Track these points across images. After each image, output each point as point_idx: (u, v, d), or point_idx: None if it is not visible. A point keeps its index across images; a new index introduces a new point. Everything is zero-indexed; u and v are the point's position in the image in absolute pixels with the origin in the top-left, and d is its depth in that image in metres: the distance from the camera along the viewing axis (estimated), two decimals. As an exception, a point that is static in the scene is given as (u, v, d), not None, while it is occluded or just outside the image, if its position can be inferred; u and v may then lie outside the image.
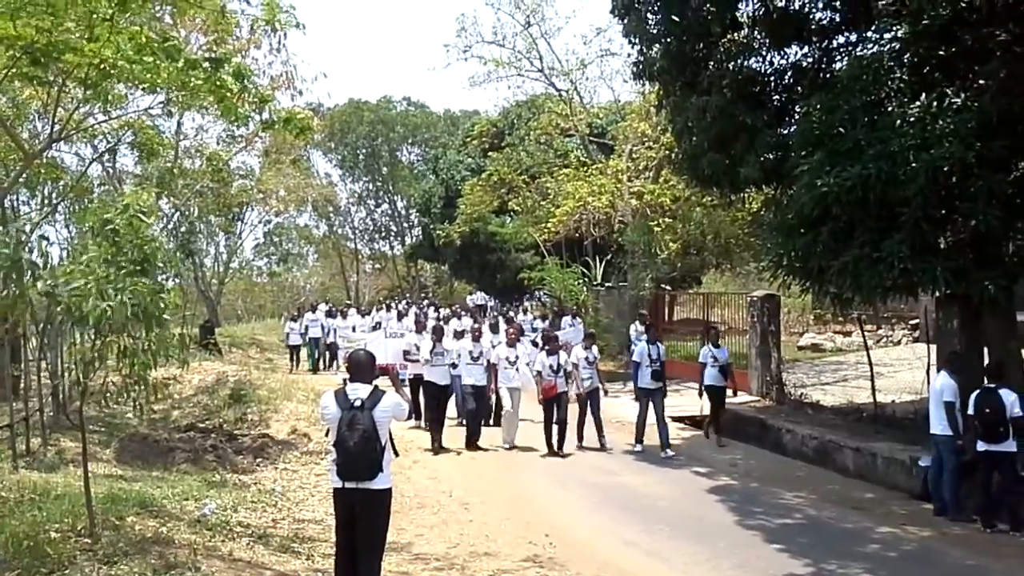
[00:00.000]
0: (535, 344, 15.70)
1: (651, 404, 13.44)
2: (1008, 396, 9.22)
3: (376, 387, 6.01)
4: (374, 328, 22.82)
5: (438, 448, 13.15)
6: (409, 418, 7.48)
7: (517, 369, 13.71)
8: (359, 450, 5.75)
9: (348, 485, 5.86)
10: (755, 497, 10.78)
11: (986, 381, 9.64)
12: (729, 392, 14.98)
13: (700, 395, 14.16)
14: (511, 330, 15.08)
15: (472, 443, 13.51)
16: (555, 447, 13.09)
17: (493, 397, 14.29)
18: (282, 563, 7.25)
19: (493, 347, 14.27)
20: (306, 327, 24.37)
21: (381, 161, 52.04)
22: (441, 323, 16.60)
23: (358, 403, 5.84)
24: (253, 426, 13.23)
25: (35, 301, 6.57)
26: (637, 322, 19.10)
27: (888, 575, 7.96)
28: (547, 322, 22.86)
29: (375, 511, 5.91)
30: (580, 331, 20.13)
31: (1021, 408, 9.18)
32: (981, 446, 9.35)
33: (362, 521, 5.91)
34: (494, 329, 17.64)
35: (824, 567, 8.18)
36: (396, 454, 6.10)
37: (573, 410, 13.62)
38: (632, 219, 24.24)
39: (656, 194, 23.44)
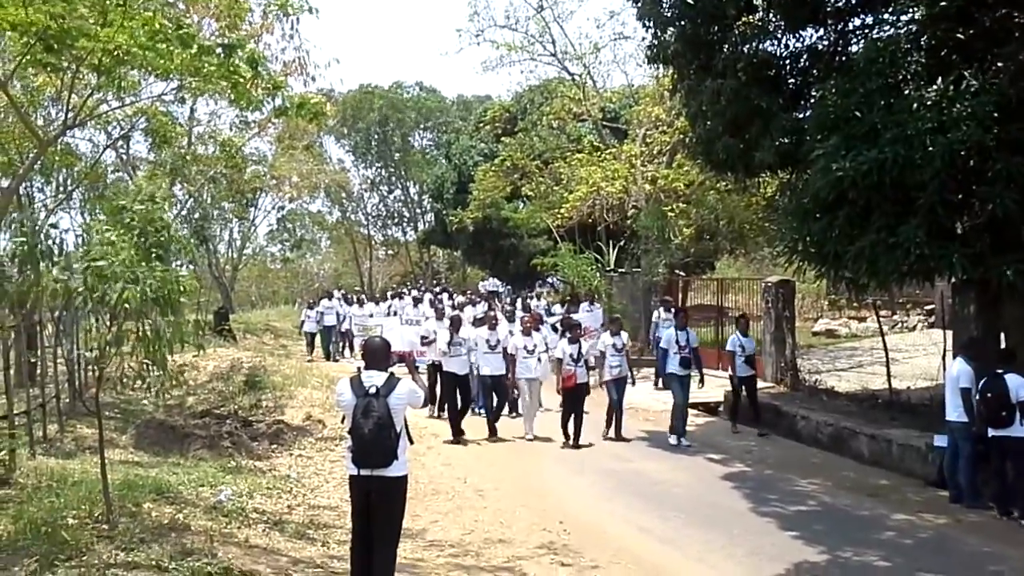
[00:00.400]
0: (554, 329, 15.43)
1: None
2: (1014, 380, 9.16)
3: (391, 374, 6.01)
4: (389, 315, 22.86)
5: (458, 438, 12.98)
6: (425, 406, 7.42)
7: (539, 360, 13.50)
8: (373, 437, 5.75)
9: (363, 472, 5.86)
10: (770, 484, 10.76)
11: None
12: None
13: (733, 386, 13.98)
14: (527, 318, 14.67)
15: (491, 433, 13.38)
16: (572, 438, 12.78)
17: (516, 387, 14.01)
18: (297, 549, 7.28)
19: (510, 335, 14.06)
20: (321, 314, 24.18)
21: (393, 147, 51.97)
22: (459, 313, 16.31)
23: (373, 390, 5.84)
24: (268, 412, 13.26)
25: (51, 287, 6.56)
26: (661, 308, 18.79)
27: (904, 562, 7.92)
28: (564, 307, 22.71)
29: (391, 498, 5.91)
30: (598, 316, 19.98)
31: None
32: (990, 432, 9.31)
33: (378, 508, 5.92)
34: (510, 318, 17.64)
35: (839, 554, 8.16)
36: (411, 441, 6.11)
37: (592, 400, 13.54)
38: (646, 204, 24.14)
39: (670, 179, 23.33)
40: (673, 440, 12.95)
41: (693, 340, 13.42)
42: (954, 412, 9.68)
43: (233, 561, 6.45)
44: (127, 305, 6.24)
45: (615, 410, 13.27)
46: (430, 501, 9.64)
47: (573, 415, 12.77)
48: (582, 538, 8.50)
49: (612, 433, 13.29)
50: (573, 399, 12.77)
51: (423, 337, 15.21)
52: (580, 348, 12.88)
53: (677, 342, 13.21)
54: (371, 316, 22.92)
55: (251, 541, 7.24)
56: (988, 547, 8.35)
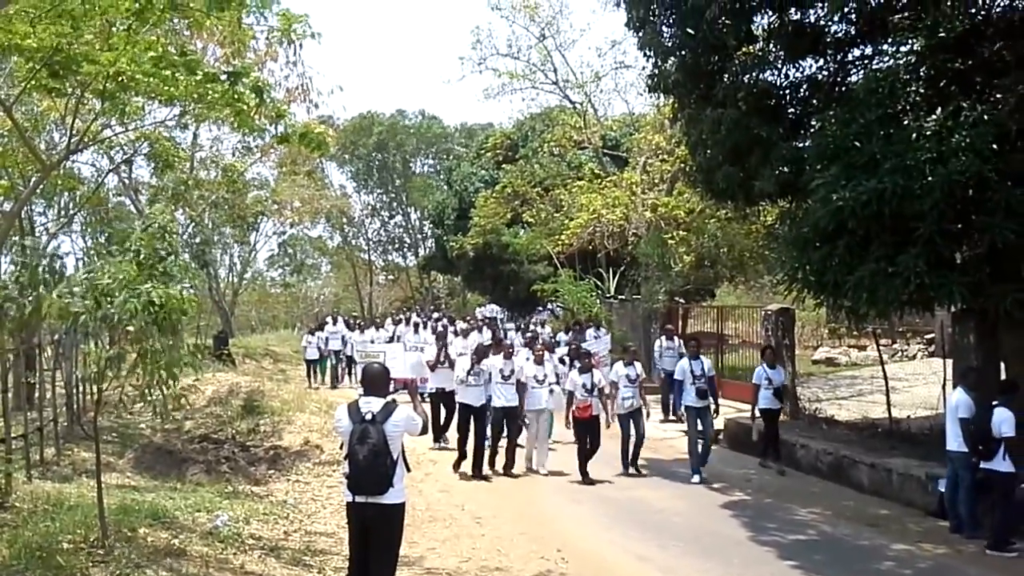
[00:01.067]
0: (561, 362, 14.94)
1: (700, 424, 12.59)
2: (999, 415, 9.08)
3: (389, 401, 5.99)
4: (391, 341, 22.54)
5: (473, 474, 12.36)
6: (423, 433, 7.22)
7: (551, 391, 12.90)
8: (368, 464, 5.73)
9: (359, 499, 5.85)
10: (769, 513, 10.71)
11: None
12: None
13: (752, 419, 13.31)
14: (539, 347, 13.89)
15: (507, 469, 12.78)
16: (581, 471, 12.26)
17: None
18: (294, 576, 7.24)
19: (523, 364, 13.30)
20: (326, 340, 23.91)
21: (394, 173, 52.21)
22: (482, 342, 15.63)
23: (369, 416, 5.83)
24: (266, 437, 13.23)
25: (52, 310, 6.57)
26: (663, 337, 18.40)
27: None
28: (571, 334, 22.52)
29: (387, 525, 5.88)
30: (606, 343, 19.68)
31: (1009, 429, 9.00)
32: (981, 464, 9.28)
33: (374, 535, 5.89)
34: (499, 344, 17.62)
35: (840, 584, 8.12)
36: (408, 469, 6.07)
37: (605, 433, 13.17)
38: (646, 232, 24.21)
39: (670, 207, 23.41)
40: (696, 479, 12.30)
41: (708, 369, 12.94)
42: (954, 442, 9.62)
43: (229, 587, 6.42)
44: (129, 327, 6.26)
45: (635, 444, 12.75)
46: (427, 528, 9.59)
47: (587, 449, 12.32)
48: (580, 566, 8.45)
49: (630, 467, 12.82)
50: (587, 431, 12.34)
51: (430, 363, 14.85)
52: (593, 378, 12.43)
53: (692, 372, 12.67)
54: (372, 342, 22.48)
55: (247, 568, 7.20)
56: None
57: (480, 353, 12.98)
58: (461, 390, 12.73)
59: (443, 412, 14.42)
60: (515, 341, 20.63)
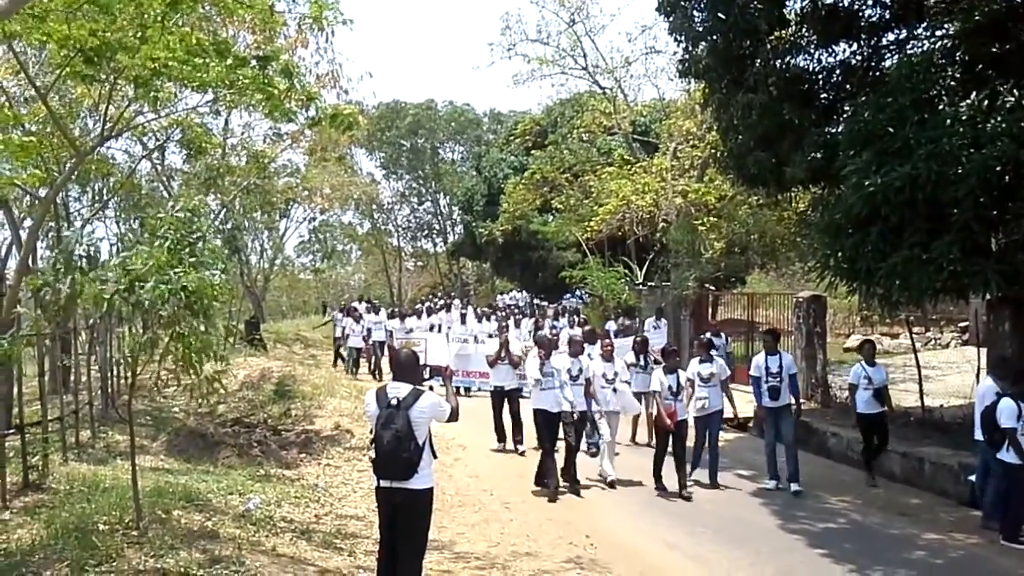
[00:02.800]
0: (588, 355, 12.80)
1: (778, 428, 11.34)
2: (1002, 405, 8.91)
3: (416, 387, 6.02)
4: (432, 329, 21.93)
5: (554, 492, 10.55)
6: (452, 420, 6.92)
7: (615, 389, 11.62)
8: (391, 449, 5.79)
9: (385, 484, 5.91)
10: (799, 501, 10.67)
11: None
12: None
13: (861, 428, 11.76)
14: (607, 342, 12.45)
15: (573, 481, 11.07)
16: (679, 486, 10.85)
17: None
18: (324, 559, 7.30)
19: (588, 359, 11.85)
20: (369, 330, 22.14)
21: (424, 158, 52.28)
22: (547, 335, 13.97)
23: (395, 402, 5.87)
24: (297, 421, 13.34)
25: (87, 296, 6.66)
26: (708, 334, 15.94)
27: (935, 582, 7.84)
28: (619, 322, 21.43)
29: (414, 511, 5.92)
30: (664, 334, 18.89)
31: (1008, 420, 8.82)
32: (996, 455, 9.09)
33: (402, 520, 5.95)
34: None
35: (868, 573, 8.09)
36: (435, 456, 6.09)
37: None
38: (676, 218, 24.08)
39: (701, 193, 23.26)
40: (771, 484, 11.30)
41: (789, 366, 11.46)
42: (982, 431, 9.52)
43: (261, 570, 6.50)
44: (161, 312, 6.34)
45: (708, 451, 11.49)
46: (456, 513, 9.63)
47: (674, 459, 10.98)
48: (609, 552, 8.46)
49: (703, 478, 11.39)
50: (673, 440, 10.97)
51: (490, 358, 13.79)
52: (679, 378, 11.11)
53: (767, 368, 11.36)
54: (411, 331, 21.36)
55: (279, 550, 7.27)
56: (1022, 569, 8.21)
57: (545, 346, 11.42)
58: (536, 395, 11.08)
59: (507, 413, 13.36)
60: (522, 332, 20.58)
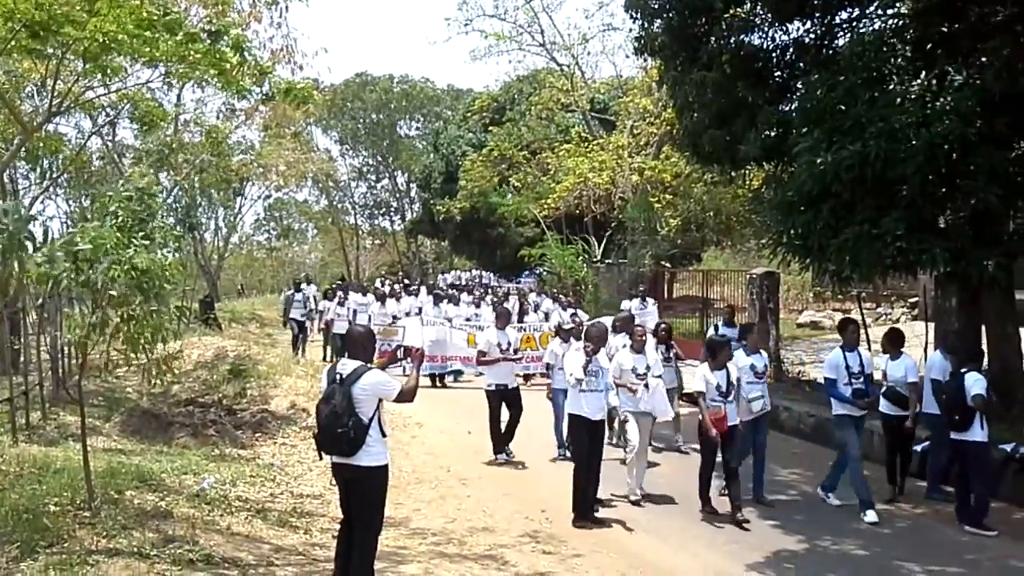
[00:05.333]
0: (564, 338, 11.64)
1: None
2: (970, 379, 8.71)
3: (362, 364, 5.96)
4: (409, 315, 20.06)
5: (591, 519, 8.78)
6: (402, 401, 6.21)
7: (646, 386, 9.65)
8: (327, 424, 5.83)
9: (336, 460, 5.95)
10: (751, 474, 10.81)
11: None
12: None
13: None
14: (639, 330, 10.27)
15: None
16: (732, 509, 8.95)
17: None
18: (280, 537, 7.30)
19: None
20: (354, 312, 19.83)
21: (383, 136, 51.93)
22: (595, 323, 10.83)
23: (338, 378, 5.89)
24: (253, 401, 13.23)
25: (35, 274, 6.54)
26: (720, 323, 13.97)
27: (881, 551, 8.03)
28: (637, 302, 18.72)
29: (363, 487, 5.94)
30: (654, 315, 17.42)
31: (980, 389, 8.59)
32: (951, 435, 8.92)
33: (353, 496, 6.00)
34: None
35: (818, 543, 8.28)
36: (384, 433, 6.00)
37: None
38: (633, 195, 24.23)
39: (657, 170, 23.44)
40: (835, 501, 9.61)
41: (868, 364, 9.57)
42: (930, 404, 9.68)
43: (215, 548, 6.48)
44: (112, 292, 6.26)
45: (756, 461, 9.80)
46: (413, 490, 9.67)
47: (725, 475, 9.12)
48: (565, 527, 8.56)
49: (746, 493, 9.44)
50: (723, 450, 9.02)
51: (481, 353, 11.82)
52: (729, 375, 9.11)
53: (848, 367, 9.38)
54: (396, 318, 19.31)
55: (233, 529, 7.25)
56: (965, 537, 8.45)
57: (597, 341, 9.14)
58: (574, 397, 8.98)
59: (505, 415, 11.44)
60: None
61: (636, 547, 8.15)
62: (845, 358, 9.39)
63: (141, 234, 6.59)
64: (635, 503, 9.51)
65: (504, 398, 11.32)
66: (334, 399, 5.82)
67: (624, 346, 10.30)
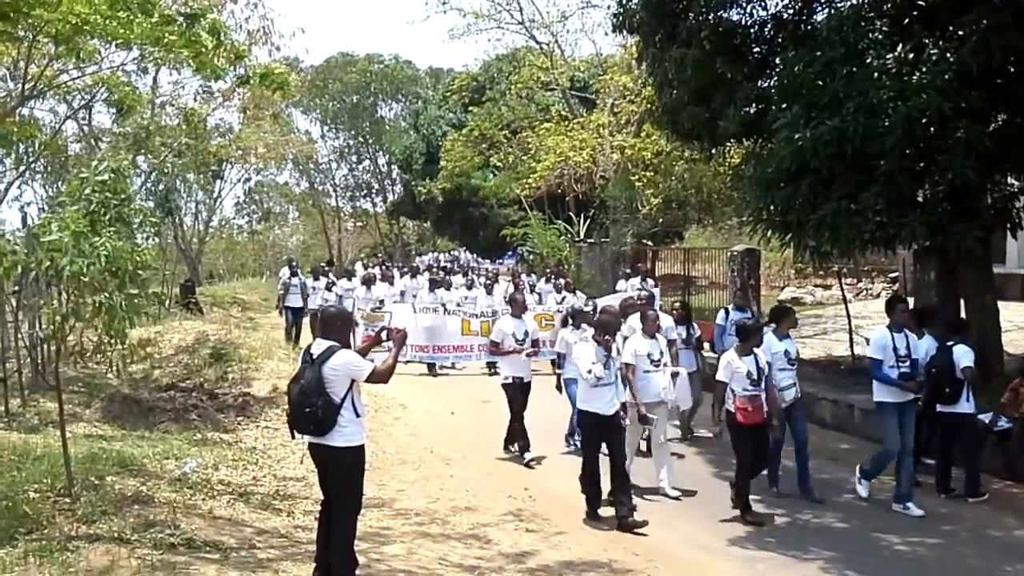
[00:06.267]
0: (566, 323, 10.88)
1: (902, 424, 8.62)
2: (959, 351, 8.71)
3: (333, 344, 5.90)
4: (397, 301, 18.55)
5: (621, 523, 8.04)
6: (375, 381, 6.03)
7: (675, 374, 9.27)
8: (297, 403, 5.82)
9: (311, 440, 5.95)
10: (731, 449, 10.84)
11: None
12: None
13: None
14: (652, 314, 9.54)
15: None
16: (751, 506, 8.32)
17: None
18: (262, 520, 7.30)
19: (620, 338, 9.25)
20: (339, 298, 18.11)
21: (363, 116, 51.64)
22: (586, 309, 11.56)
23: (309, 358, 5.87)
24: (234, 385, 13.19)
25: (6, 262, 6.47)
26: (731, 308, 12.67)
27: (860, 524, 8.13)
28: (641, 280, 17.73)
29: (338, 468, 5.93)
30: (657, 296, 15.16)
31: (969, 361, 8.62)
32: (937, 408, 8.93)
33: (330, 477, 6.02)
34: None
35: (799, 516, 8.36)
36: (358, 414, 5.92)
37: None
38: (614, 174, 24.22)
39: (638, 149, 23.43)
40: (863, 491, 8.96)
41: (915, 347, 8.76)
42: None
43: (197, 532, 6.46)
44: (83, 278, 6.20)
45: (799, 456, 9.07)
46: (396, 470, 9.67)
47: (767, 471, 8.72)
48: (547, 505, 8.59)
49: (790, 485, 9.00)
50: (759, 444, 8.35)
51: (495, 344, 10.86)
52: (757, 361, 8.30)
53: (895, 349, 8.61)
54: (382, 303, 17.59)
55: (216, 512, 7.24)
56: (944, 508, 8.56)
57: (608, 329, 8.33)
58: (585, 392, 8.28)
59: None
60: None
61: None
62: (892, 339, 8.66)
63: (111, 220, 6.49)
64: (675, 498, 8.90)
65: (523, 392, 10.40)
66: (303, 378, 5.81)
67: (635, 331, 9.49)
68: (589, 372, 7.98)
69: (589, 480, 8.35)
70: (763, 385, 8.24)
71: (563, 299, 17.32)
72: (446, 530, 7.68)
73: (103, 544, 5.93)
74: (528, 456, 10.27)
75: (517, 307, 11.24)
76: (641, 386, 8.86)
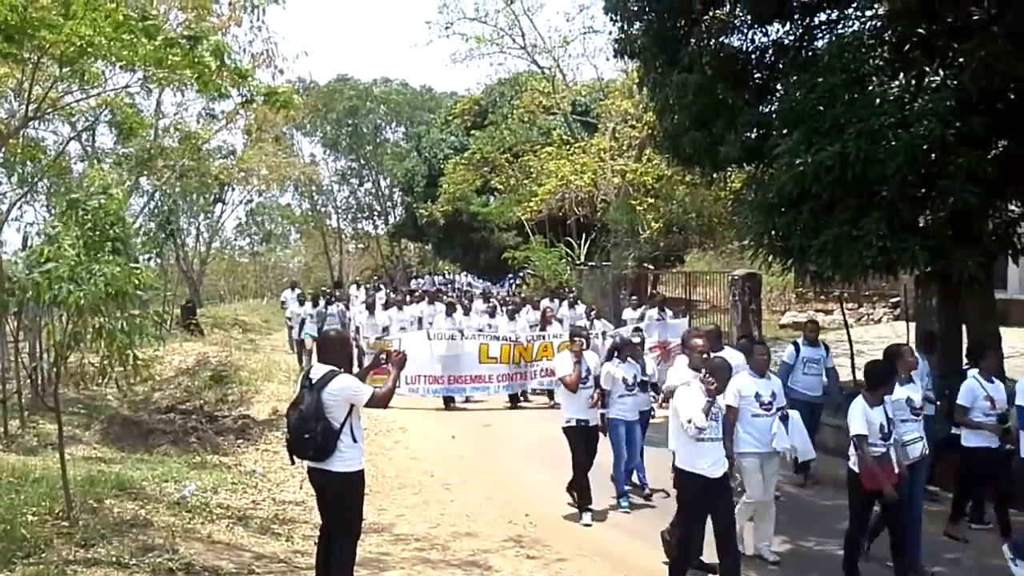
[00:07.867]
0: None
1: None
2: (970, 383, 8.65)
3: (332, 369, 5.86)
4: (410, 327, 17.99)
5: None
6: (374, 405, 6.06)
7: (782, 419, 8.12)
8: (295, 428, 5.81)
9: (310, 465, 5.93)
10: (734, 475, 10.81)
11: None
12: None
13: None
14: (760, 350, 8.99)
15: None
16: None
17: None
18: (261, 544, 7.26)
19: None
20: (350, 320, 18.50)
21: (365, 139, 51.78)
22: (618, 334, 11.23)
23: (309, 383, 5.84)
24: (234, 407, 13.18)
25: (5, 285, 6.48)
26: (801, 341, 11.68)
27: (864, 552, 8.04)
28: (640, 312, 17.45)
29: (336, 493, 5.90)
30: (679, 328, 14.72)
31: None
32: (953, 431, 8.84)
33: (328, 502, 5.98)
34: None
35: (801, 543, 8.31)
36: (355, 440, 5.85)
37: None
38: (615, 198, 24.28)
39: (639, 173, 23.50)
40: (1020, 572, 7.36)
41: (1003, 399, 8.10)
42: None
43: (195, 557, 6.43)
44: (81, 303, 6.18)
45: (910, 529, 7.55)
46: (396, 495, 9.63)
47: (891, 544, 7.31)
48: (548, 531, 8.54)
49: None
50: (887, 510, 7.18)
51: (568, 380, 9.24)
52: (887, 413, 7.16)
53: (988, 396, 8.27)
54: (386, 330, 17.32)
55: (214, 536, 7.20)
56: (951, 537, 8.50)
57: (721, 376, 6.87)
58: (685, 447, 7.18)
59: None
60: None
61: (620, 550, 8.13)
62: (984, 388, 8.30)
63: (108, 246, 6.48)
64: (774, 563, 7.88)
65: (586, 439, 9.31)
66: (302, 403, 5.78)
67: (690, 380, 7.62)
68: (689, 421, 6.78)
69: (682, 549, 7.12)
70: (892, 440, 7.09)
71: (592, 326, 16.03)
72: (446, 556, 7.62)
73: (101, 568, 5.90)
74: (586, 518, 9.00)
75: (629, 350, 9.89)
76: (751, 430, 7.90)
